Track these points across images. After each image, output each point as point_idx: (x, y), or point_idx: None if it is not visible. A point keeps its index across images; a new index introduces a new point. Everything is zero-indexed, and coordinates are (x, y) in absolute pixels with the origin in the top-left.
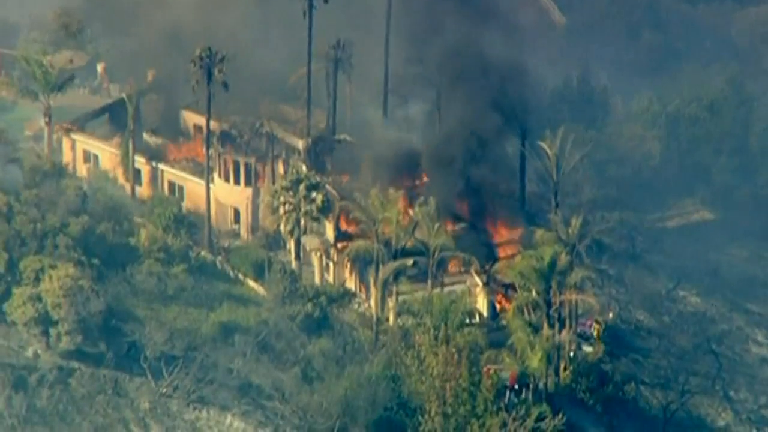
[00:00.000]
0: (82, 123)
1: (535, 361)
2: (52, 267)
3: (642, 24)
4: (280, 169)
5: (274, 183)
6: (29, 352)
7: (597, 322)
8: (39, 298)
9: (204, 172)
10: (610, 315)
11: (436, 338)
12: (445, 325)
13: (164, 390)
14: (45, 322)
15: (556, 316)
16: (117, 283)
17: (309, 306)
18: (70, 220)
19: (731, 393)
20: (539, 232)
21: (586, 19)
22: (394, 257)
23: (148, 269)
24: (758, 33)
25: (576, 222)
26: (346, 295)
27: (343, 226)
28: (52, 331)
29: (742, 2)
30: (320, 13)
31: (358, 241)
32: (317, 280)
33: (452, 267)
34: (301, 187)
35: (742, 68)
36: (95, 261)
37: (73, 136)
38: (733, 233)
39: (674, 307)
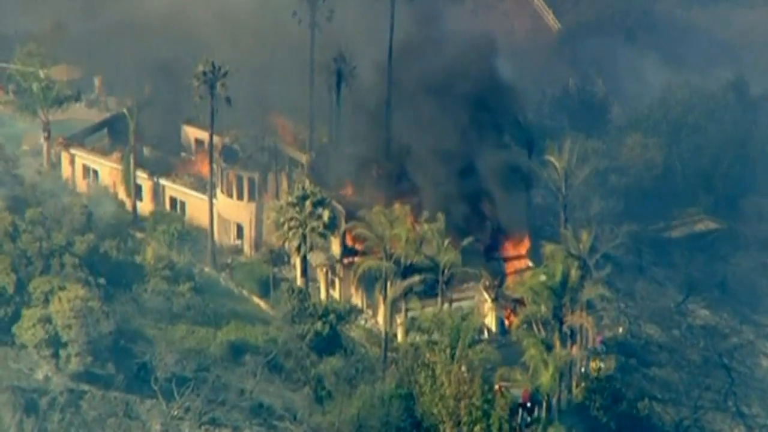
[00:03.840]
0: (81, 138)
1: (546, 378)
2: (62, 288)
3: (637, 28)
4: (284, 183)
5: (278, 198)
6: (39, 375)
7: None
8: (49, 320)
9: (206, 187)
10: (620, 330)
11: (451, 357)
12: (458, 342)
13: (176, 412)
14: (55, 343)
15: (568, 332)
16: (124, 303)
17: (319, 324)
18: (75, 239)
19: (743, 408)
20: (549, 247)
21: (581, 24)
22: (403, 274)
23: (154, 288)
24: (754, 36)
25: (586, 236)
26: (353, 312)
27: (350, 242)
28: (62, 353)
29: (737, 5)
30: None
31: (367, 259)
32: (323, 296)
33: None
34: (308, 203)
35: (740, 72)
36: (101, 280)
37: (73, 151)
38: (738, 243)
39: (683, 320)
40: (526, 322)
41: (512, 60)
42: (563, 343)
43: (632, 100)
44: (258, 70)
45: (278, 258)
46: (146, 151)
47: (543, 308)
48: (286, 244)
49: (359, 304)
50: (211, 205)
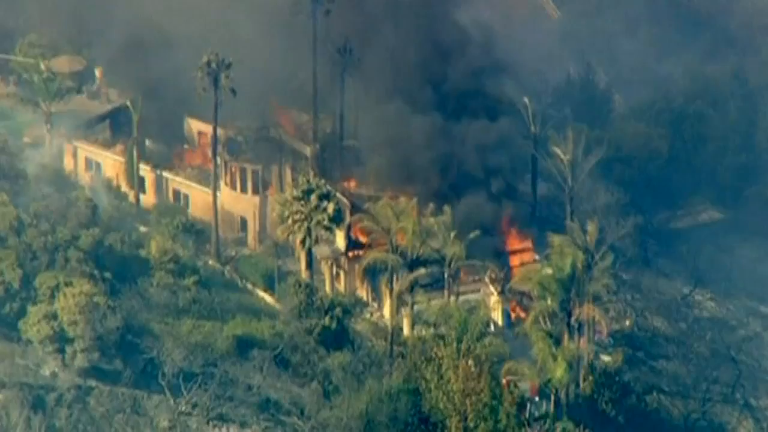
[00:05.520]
0: (84, 130)
1: (558, 372)
2: (67, 284)
3: (639, 16)
4: (288, 176)
5: (282, 190)
6: (46, 371)
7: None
8: (54, 316)
9: (209, 179)
10: (627, 323)
11: (457, 351)
12: (465, 336)
13: (183, 408)
14: (61, 339)
15: (576, 325)
16: (130, 297)
17: (326, 319)
18: (80, 233)
19: (751, 400)
20: (556, 240)
21: (582, 13)
22: (410, 267)
23: (159, 282)
24: (757, 24)
25: (593, 229)
26: (358, 305)
27: (355, 234)
28: (68, 349)
29: None
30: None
31: (374, 252)
32: (328, 289)
33: (463, 275)
34: (313, 196)
35: (742, 60)
36: (107, 274)
37: (75, 143)
38: (743, 233)
39: (690, 312)
40: (536, 317)
41: (512, 49)
42: (571, 337)
43: (634, 89)
44: (261, 61)
45: (282, 251)
46: (149, 143)
47: (550, 301)
48: (291, 238)
49: (364, 297)
50: (215, 197)
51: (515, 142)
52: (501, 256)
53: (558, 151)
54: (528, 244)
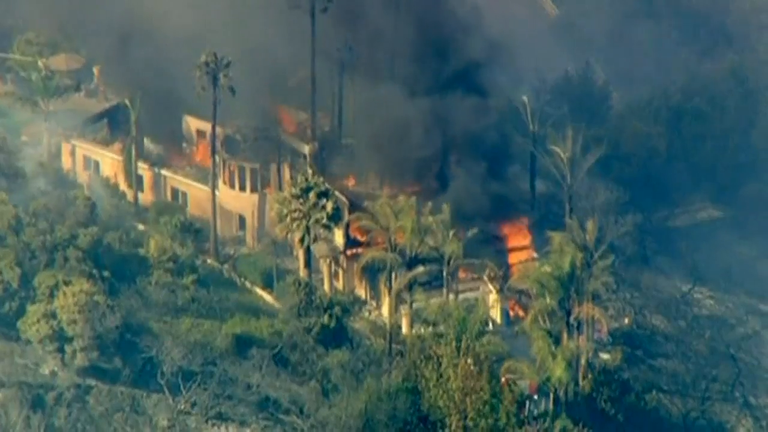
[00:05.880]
0: (82, 128)
1: (557, 371)
2: (66, 283)
3: (637, 14)
4: (286, 174)
5: (281, 189)
6: (45, 370)
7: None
8: (54, 315)
9: (207, 178)
10: (626, 321)
11: (456, 349)
12: (464, 335)
13: (182, 406)
14: (60, 338)
15: (575, 324)
16: (129, 296)
17: (325, 318)
18: (79, 232)
19: (751, 399)
20: (556, 238)
21: (580, 11)
22: (409, 266)
23: (158, 280)
24: (755, 22)
25: (593, 227)
26: (357, 303)
27: (354, 233)
28: (68, 348)
29: None
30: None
31: (372, 250)
32: (326, 287)
33: (462, 273)
34: (311, 194)
35: (741, 58)
36: (106, 273)
37: (73, 141)
38: (742, 231)
39: (689, 310)
40: (536, 315)
41: (511, 46)
42: (570, 335)
43: (633, 87)
44: (260, 59)
45: (281, 249)
46: (147, 141)
47: (549, 300)
48: (289, 236)
49: (363, 296)
50: (214, 196)
51: (507, 122)
52: (498, 246)
53: (557, 149)
54: (527, 240)
